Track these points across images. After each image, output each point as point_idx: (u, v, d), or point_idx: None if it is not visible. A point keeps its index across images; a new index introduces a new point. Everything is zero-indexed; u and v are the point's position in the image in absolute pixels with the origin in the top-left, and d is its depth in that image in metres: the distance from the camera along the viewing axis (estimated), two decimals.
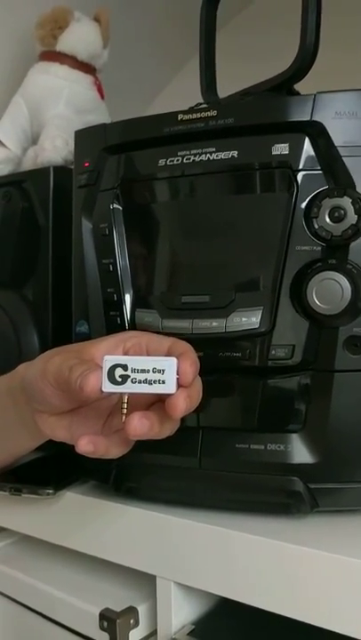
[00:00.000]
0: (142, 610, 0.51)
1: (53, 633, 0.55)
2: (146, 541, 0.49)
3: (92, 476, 0.56)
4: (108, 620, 0.50)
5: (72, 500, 0.55)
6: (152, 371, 0.38)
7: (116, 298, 0.51)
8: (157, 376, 0.38)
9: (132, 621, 0.50)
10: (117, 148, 0.52)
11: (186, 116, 0.48)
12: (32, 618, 0.58)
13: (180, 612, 0.49)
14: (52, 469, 0.62)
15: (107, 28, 0.80)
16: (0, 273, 0.70)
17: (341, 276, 0.43)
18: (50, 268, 0.67)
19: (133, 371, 0.38)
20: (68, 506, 0.55)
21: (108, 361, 0.38)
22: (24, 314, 0.68)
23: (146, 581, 0.51)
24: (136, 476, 0.51)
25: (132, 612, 0.51)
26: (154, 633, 0.51)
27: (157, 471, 0.49)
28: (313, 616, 0.41)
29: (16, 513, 0.59)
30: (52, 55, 0.78)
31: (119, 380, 0.38)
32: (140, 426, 0.39)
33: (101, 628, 0.50)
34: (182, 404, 0.38)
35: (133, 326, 0.50)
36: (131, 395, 0.39)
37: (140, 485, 0.51)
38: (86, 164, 0.54)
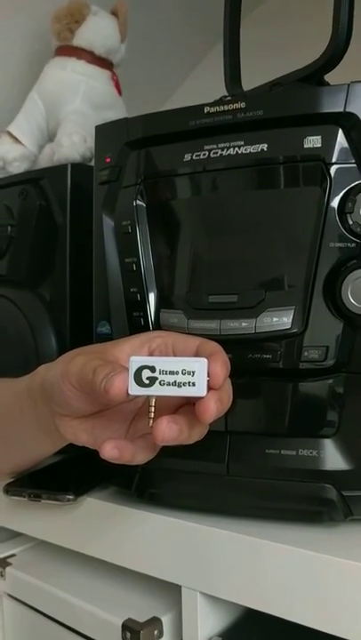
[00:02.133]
0: (166, 620, 0.50)
1: None
2: (170, 550, 0.48)
3: (113, 482, 0.54)
4: (131, 630, 0.48)
5: (93, 506, 0.53)
6: (181, 372, 0.36)
7: (139, 298, 0.49)
8: (187, 378, 0.36)
9: (156, 632, 0.49)
10: (140, 143, 0.50)
11: (213, 109, 0.46)
12: (51, 626, 0.56)
13: (206, 624, 0.48)
14: (72, 474, 0.60)
15: (124, 22, 0.78)
16: (16, 272, 0.69)
17: None
18: (67, 267, 0.66)
19: (161, 372, 0.36)
20: (89, 512, 0.54)
21: (135, 362, 0.36)
22: (41, 314, 0.67)
23: (170, 591, 0.49)
24: (160, 481, 0.49)
25: (156, 622, 0.49)
26: None
27: (182, 477, 0.48)
28: (345, 630, 0.39)
29: (35, 519, 0.58)
30: (69, 50, 0.76)
31: (147, 382, 0.36)
32: (169, 431, 0.37)
33: (124, 639, 0.49)
34: (213, 408, 0.36)
35: (158, 327, 0.48)
36: (159, 398, 0.37)
37: (164, 492, 0.49)
38: (107, 160, 0.52)
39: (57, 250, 0.66)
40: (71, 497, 0.52)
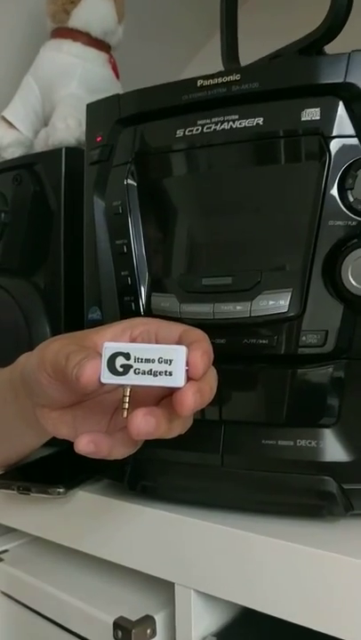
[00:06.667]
0: (160, 619, 0.48)
1: None
2: (163, 545, 0.46)
3: (105, 474, 0.52)
4: (122, 629, 0.47)
5: (84, 499, 0.51)
6: (158, 361, 0.33)
7: (130, 282, 0.47)
8: (164, 367, 0.33)
9: (148, 631, 0.47)
10: (132, 120, 0.48)
11: (206, 82, 0.44)
12: (43, 624, 0.55)
13: (200, 623, 0.46)
14: (63, 467, 0.58)
15: (121, 3, 0.76)
16: (10, 260, 0.68)
17: None
18: (62, 254, 0.65)
19: (137, 360, 0.34)
20: (80, 506, 0.52)
21: (109, 348, 0.34)
22: (35, 302, 0.66)
23: (163, 588, 0.48)
24: (152, 474, 0.47)
25: (148, 621, 0.47)
26: None
27: (175, 469, 0.46)
28: (345, 630, 0.37)
29: (26, 513, 0.57)
30: (65, 32, 0.74)
31: (120, 370, 0.34)
32: (145, 424, 0.34)
33: (115, 637, 0.47)
34: (191, 400, 0.33)
35: (150, 312, 0.46)
36: (133, 387, 0.35)
37: (157, 484, 0.47)
38: (99, 139, 0.50)
39: (51, 237, 0.65)
40: (61, 490, 0.50)
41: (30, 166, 0.66)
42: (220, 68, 0.60)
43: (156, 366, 0.33)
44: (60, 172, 0.64)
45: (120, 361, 0.34)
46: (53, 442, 0.50)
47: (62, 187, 0.64)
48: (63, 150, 0.65)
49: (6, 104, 0.76)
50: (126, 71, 0.81)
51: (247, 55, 0.60)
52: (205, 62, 1.03)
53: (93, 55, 0.75)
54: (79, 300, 0.55)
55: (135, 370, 0.34)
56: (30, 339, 0.64)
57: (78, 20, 0.74)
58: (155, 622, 0.47)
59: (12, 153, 0.75)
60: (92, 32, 0.74)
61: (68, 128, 0.69)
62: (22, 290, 0.66)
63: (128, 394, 0.35)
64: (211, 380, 0.36)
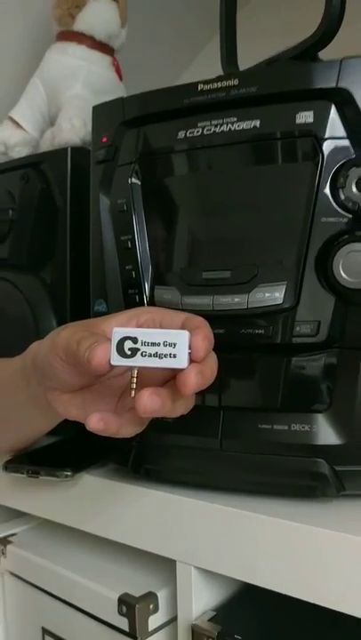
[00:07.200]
0: (162, 595, 0.50)
1: (72, 617, 0.55)
2: (165, 525, 0.48)
3: (110, 458, 0.55)
4: (127, 605, 0.49)
5: (90, 482, 0.54)
6: (163, 344, 0.36)
7: (134, 275, 0.50)
8: (168, 350, 0.36)
9: (151, 607, 0.49)
10: (136, 122, 0.50)
11: (206, 86, 0.47)
12: (50, 602, 0.57)
13: (200, 598, 0.48)
14: (69, 452, 0.61)
15: (125, 7, 0.78)
16: (18, 255, 0.69)
17: None
18: (67, 249, 0.66)
19: (143, 344, 0.36)
20: (87, 489, 0.54)
21: (118, 333, 0.37)
22: (42, 296, 0.67)
23: (166, 566, 0.50)
24: (155, 457, 0.49)
25: (151, 597, 0.50)
26: (174, 619, 0.50)
27: (177, 453, 0.48)
28: (337, 601, 0.39)
29: (34, 497, 0.59)
30: (70, 35, 0.77)
31: (128, 353, 0.36)
32: (151, 402, 0.37)
33: (120, 613, 0.49)
34: (193, 380, 0.36)
35: (153, 303, 0.49)
36: (140, 369, 0.38)
37: (160, 467, 0.50)
38: (104, 140, 0.52)
39: (58, 233, 0.66)
40: (69, 473, 0.53)
41: (37, 165, 0.68)
42: (220, 68, 0.62)
43: (161, 349, 0.36)
44: (66, 171, 0.66)
45: (128, 345, 0.36)
46: (57, 431, 0.53)
47: (68, 185, 0.66)
48: (69, 150, 0.66)
49: (13, 105, 0.78)
50: (129, 71, 0.83)
51: (248, 55, 0.62)
52: (206, 63, 1.04)
53: (97, 58, 0.77)
54: (84, 294, 0.56)
55: (142, 352, 0.36)
56: (37, 331, 0.66)
57: (83, 23, 0.76)
58: (157, 598, 0.50)
59: (19, 152, 0.77)
60: (97, 35, 0.76)
61: (74, 128, 0.71)
62: (29, 284, 0.68)
63: (135, 375, 0.38)
64: (211, 363, 0.38)
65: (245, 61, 0.60)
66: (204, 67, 1.04)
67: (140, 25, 0.86)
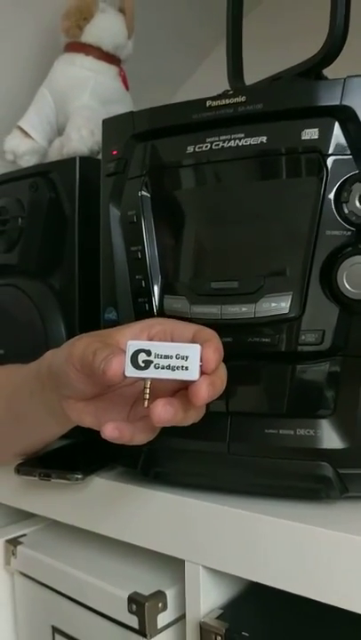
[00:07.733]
0: (170, 594, 0.51)
1: (83, 616, 0.56)
2: (174, 526, 0.50)
3: (120, 462, 0.56)
4: (136, 603, 0.51)
5: (101, 485, 0.55)
6: (175, 357, 0.38)
7: (144, 284, 0.51)
8: (181, 362, 0.38)
9: (160, 605, 0.51)
10: (145, 136, 0.52)
11: (214, 103, 0.48)
12: (62, 602, 0.58)
13: (208, 597, 0.49)
14: (80, 456, 0.62)
15: (131, 19, 0.80)
16: (27, 262, 0.71)
17: None
18: (76, 257, 0.67)
19: (157, 356, 0.38)
20: (97, 491, 0.56)
21: (132, 346, 0.38)
22: (51, 303, 0.68)
23: (174, 566, 0.51)
24: (164, 461, 0.51)
25: (160, 595, 0.51)
26: (182, 617, 0.51)
27: (186, 456, 0.49)
28: (342, 600, 0.41)
29: (45, 499, 0.60)
30: (78, 46, 0.78)
31: (142, 365, 0.38)
32: (164, 412, 0.39)
33: (130, 611, 0.51)
34: (205, 391, 0.38)
35: (162, 312, 0.50)
36: (153, 380, 0.39)
37: (169, 470, 0.51)
38: (114, 153, 0.54)
39: (66, 240, 0.68)
40: (80, 476, 0.54)
41: (46, 174, 0.69)
42: (225, 76, 0.64)
43: (173, 362, 0.38)
44: (75, 180, 0.67)
45: (142, 357, 0.38)
46: (68, 434, 0.55)
47: (76, 193, 0.67)
48: (77, 159, 0.68)
49: (22, 114, 0.80)
50: (135, 80, 0.84)
51: (253, 62, 0.63)
52: (212, 69, 1.06)
53: (105, 68, 0.79)
54: (92, 301, 0.58)
55: (155, 365, 0.38)
56: (46, 338, 0.67)
57: (91, 35, 0.78)
58: (166, 597, 0.51)
59: (28, 161, 0.79)
60: (104, 47, 0.78)
61: (82, 138, 0.72)
62: (39, 291, 0.69)
63: (148, 386, 0.39)
64: (222, 374, 0.40)
65: (253, 66, 0.61)
66: (209, 75, 1.06)
67: (145, 33, 0.87)
